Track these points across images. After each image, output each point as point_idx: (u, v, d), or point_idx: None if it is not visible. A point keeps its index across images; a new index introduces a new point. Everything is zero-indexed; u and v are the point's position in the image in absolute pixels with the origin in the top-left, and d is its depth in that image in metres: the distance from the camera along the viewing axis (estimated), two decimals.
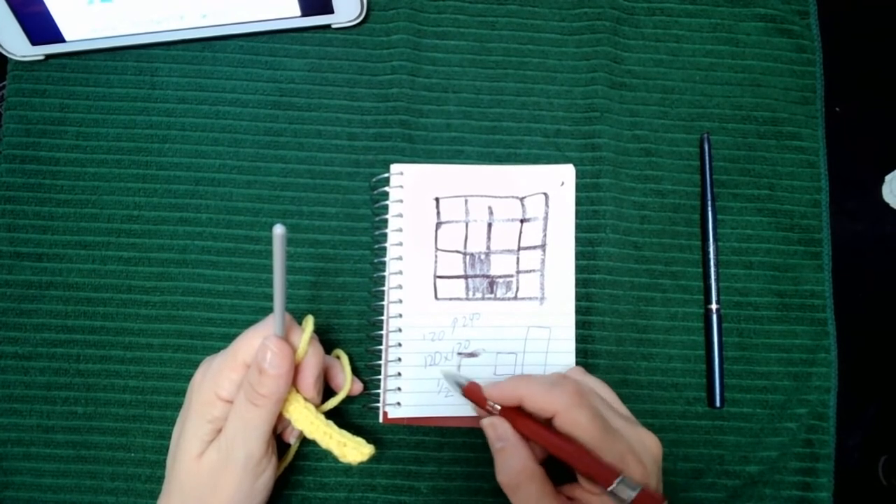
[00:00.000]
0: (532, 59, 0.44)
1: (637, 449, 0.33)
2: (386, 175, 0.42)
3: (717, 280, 0.42)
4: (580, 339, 0.42)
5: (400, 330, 0.41)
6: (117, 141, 0.43)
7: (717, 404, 0.41)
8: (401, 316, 0.41)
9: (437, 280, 0.42)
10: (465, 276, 0.42)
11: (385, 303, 0.41)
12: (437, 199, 0.42)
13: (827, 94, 0.45)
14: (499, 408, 0.35)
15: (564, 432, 0.33)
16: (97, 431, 0.41)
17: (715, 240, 0.43)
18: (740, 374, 0.42)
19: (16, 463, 0.40)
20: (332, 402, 0.36)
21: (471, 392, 0.37)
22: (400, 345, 0.41)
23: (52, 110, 0.43)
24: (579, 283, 0.42)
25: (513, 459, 0.34)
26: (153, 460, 0.40)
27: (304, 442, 0.37)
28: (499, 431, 0.35)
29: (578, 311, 0.42)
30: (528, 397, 0.34)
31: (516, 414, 0.35)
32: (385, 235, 0.42)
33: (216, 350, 0.35)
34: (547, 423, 0.34)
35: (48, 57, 0.43)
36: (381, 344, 0.41)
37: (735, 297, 0.43)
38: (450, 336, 0.41)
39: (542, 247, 0.42)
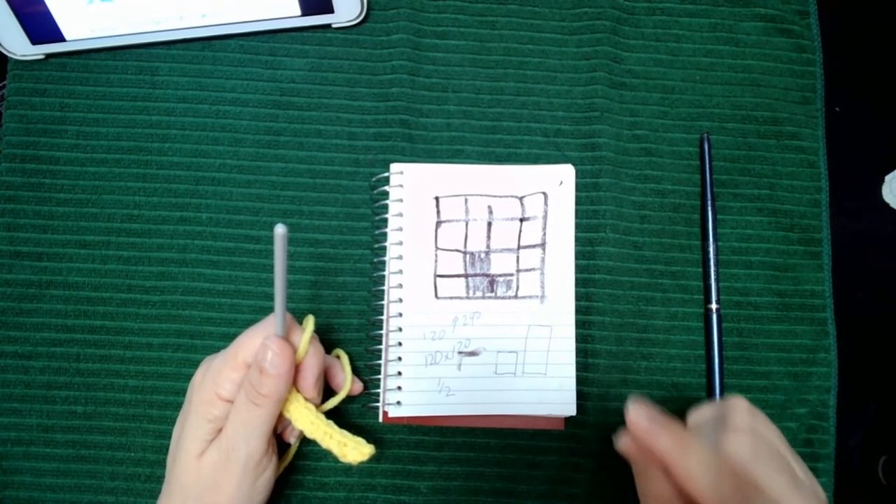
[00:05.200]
0: (532, 59, 0.44)
1: None
2: (386, 174, 0.42)
3: (717, 280, 0.42)
4: (580, 339, 0.42)
5: (400, 329, 0.41)
6: (117, 140, 0.43)
7: None
8: (401, 315, 0.41)
9: (438, 279, 0.42)
10: (466, 275, 0.42)
11: (385, 302, 0.41)
12: (436, 199, 0.42)
13: (827, 94, 0.45)
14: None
15: None
16: (97, 431, 0.41)
17: (715, 240, 0.43)
18: (740, 374, 0.42)
19: (16, 463, 0.40)
20: (333, 402, 0.36)
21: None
22: (400, 344, 0.41)
23: (52, 110, 0.43)
24: (579, 283, 0.42)
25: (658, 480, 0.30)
26: (153, 460, 0.40)
27: (304, 442, 0.37)
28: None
29: (578, 310, 0.42)
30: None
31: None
32: (385, 235, 0.42)
33: (216, 350, 0.35)
34: None
35: (48, 56, 0.43)
36: (381, 343, 0.41)
37: (735, 297, 0.43)
38: (450, 335, 0.41)
39: (542, 245, 0.42)
